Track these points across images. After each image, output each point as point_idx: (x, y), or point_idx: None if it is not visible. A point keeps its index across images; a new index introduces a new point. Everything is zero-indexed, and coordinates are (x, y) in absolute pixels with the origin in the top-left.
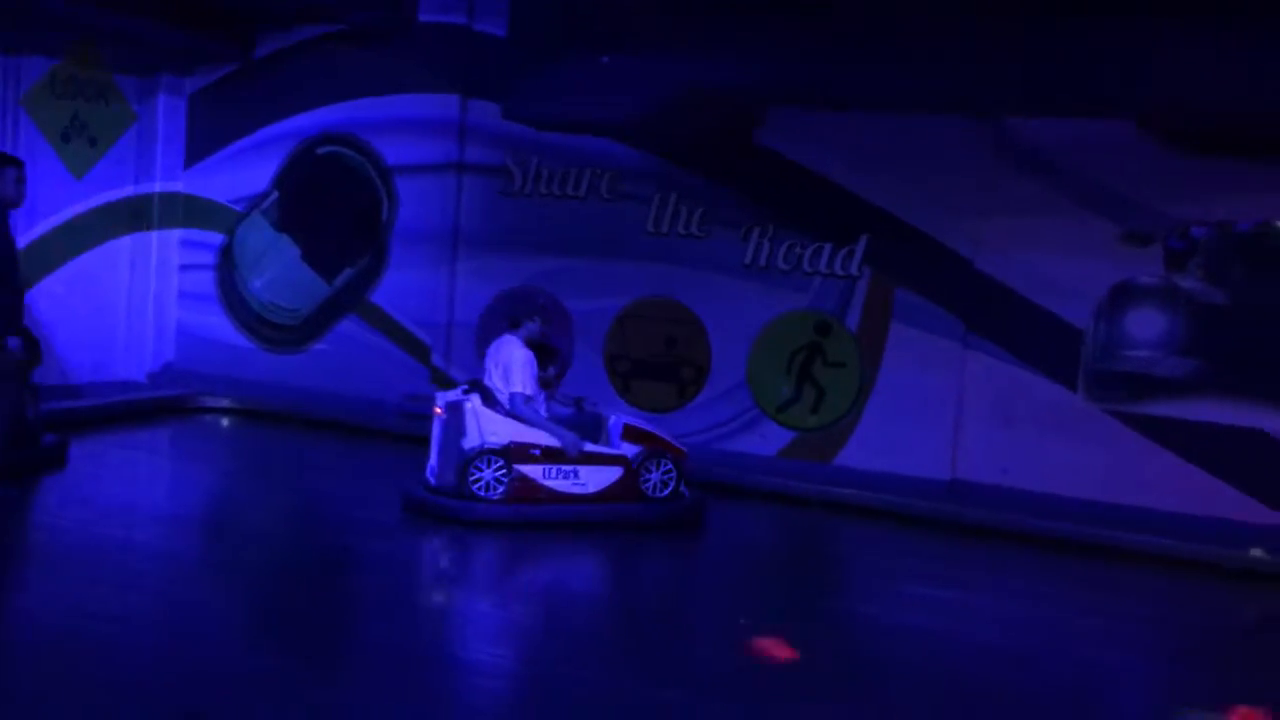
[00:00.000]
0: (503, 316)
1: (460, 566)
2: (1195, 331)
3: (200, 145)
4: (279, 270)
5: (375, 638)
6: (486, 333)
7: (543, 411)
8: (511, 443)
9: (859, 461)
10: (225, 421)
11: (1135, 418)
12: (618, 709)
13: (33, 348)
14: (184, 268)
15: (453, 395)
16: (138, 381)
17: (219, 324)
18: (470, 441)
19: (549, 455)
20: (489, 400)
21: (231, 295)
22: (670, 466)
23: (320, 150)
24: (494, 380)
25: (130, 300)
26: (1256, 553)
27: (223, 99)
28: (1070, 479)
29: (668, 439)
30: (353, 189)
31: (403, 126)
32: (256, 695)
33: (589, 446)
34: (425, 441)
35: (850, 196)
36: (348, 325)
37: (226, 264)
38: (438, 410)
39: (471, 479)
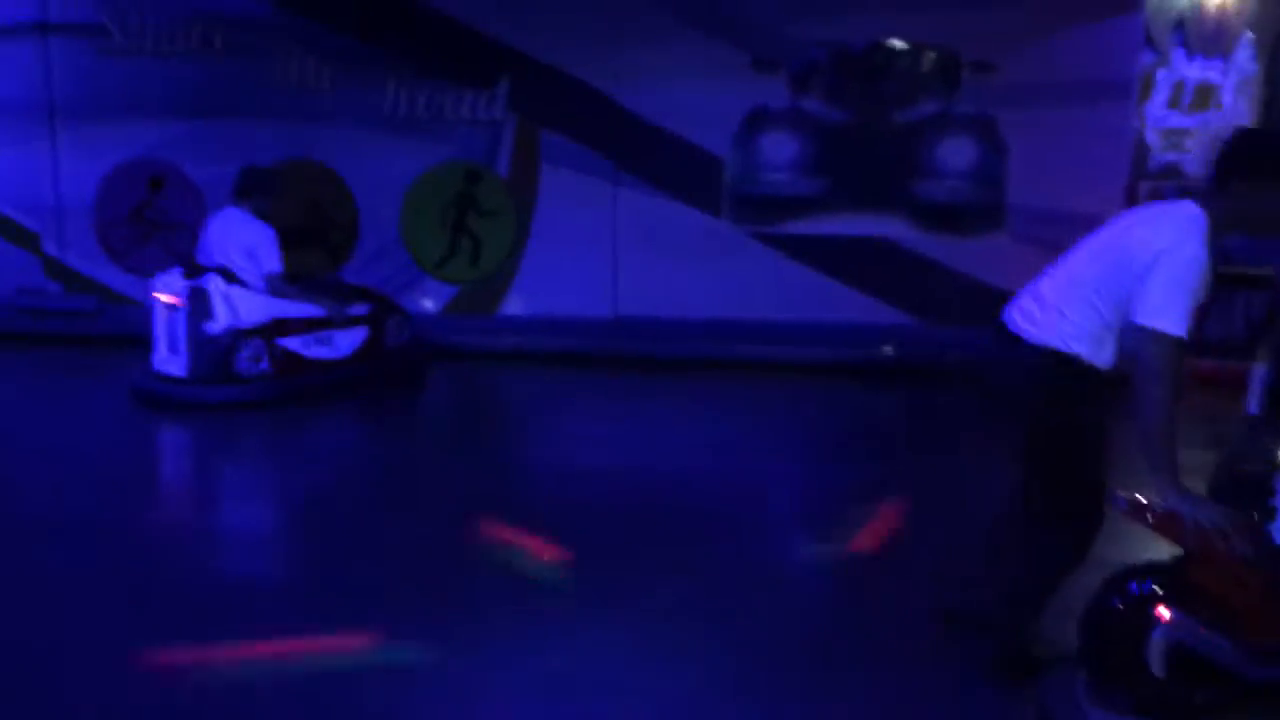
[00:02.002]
0: (126, 192)
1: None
2: (821, 151)
3: None
4: None
5: (44, 564)
6: (106, 211)
7: None
8: (271, 319)
9: (523, 309)
10: None
11: (775, 238)
12: (307, 593)
13: None
14: None
15: (180, 281)
16: None
17: None
18: (219, 324)
19: (307, 325)
20: (232, 279)
21: None
22: (400, 320)
23: None
24: (229, 258)
25: None
26: (887, 350)
27: None
28: (723, 301)
29: (386, 294)
30: None
31: None
32: None
33: (338, 309)
34: (47, 340)
35: (487, 39)
36: None
37: None
38: (169, 298)
39: (233, 360)
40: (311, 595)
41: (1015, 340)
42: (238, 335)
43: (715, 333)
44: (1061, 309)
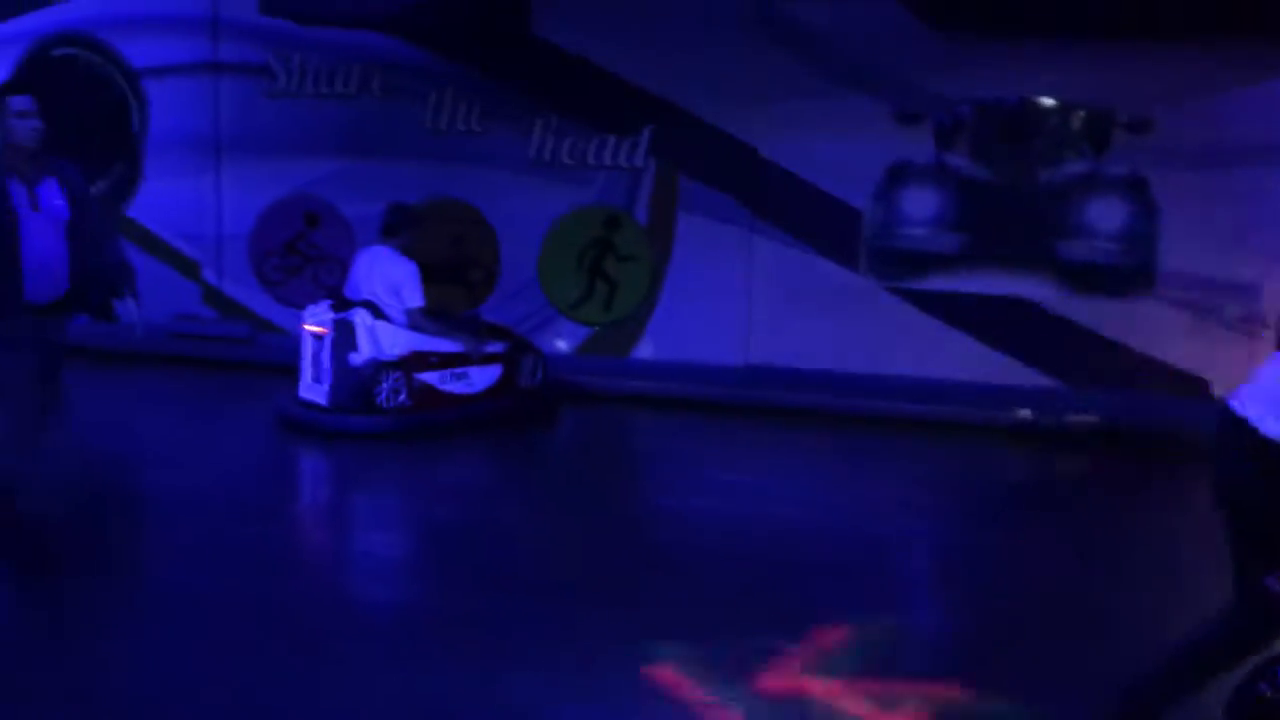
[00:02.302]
0: (282, 225)
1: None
2: (965, 207)
3: None
4: None
5: (177, 579)
6: (262, 244)
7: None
8: (411, 352)
9: (656, 353)
10: None
11: (912, 293)
12: (433, 623)
13: None
14: None
15: (328, 313)
16: None
17: None
18: (362, 356)
19: (445, 361)
20: (377, 313)
21: None
22: (535, 359)
23: (56, 53)
24: (374, 293)
25: None
26: (1024, 412)
27: None
28: (858, 355)
29: (522, 333)
30: (96, 95)
31: (147, 24)
32: (40, 653)
33: (477, 346)
34: (201, 364)
35: (631, 87)
36: None
37: None
38: (317, 329)
39: (374, 392)
40: (430, 625)
41: (1240, 423)
42: (379, 367)
43: (848, 386)
44: None
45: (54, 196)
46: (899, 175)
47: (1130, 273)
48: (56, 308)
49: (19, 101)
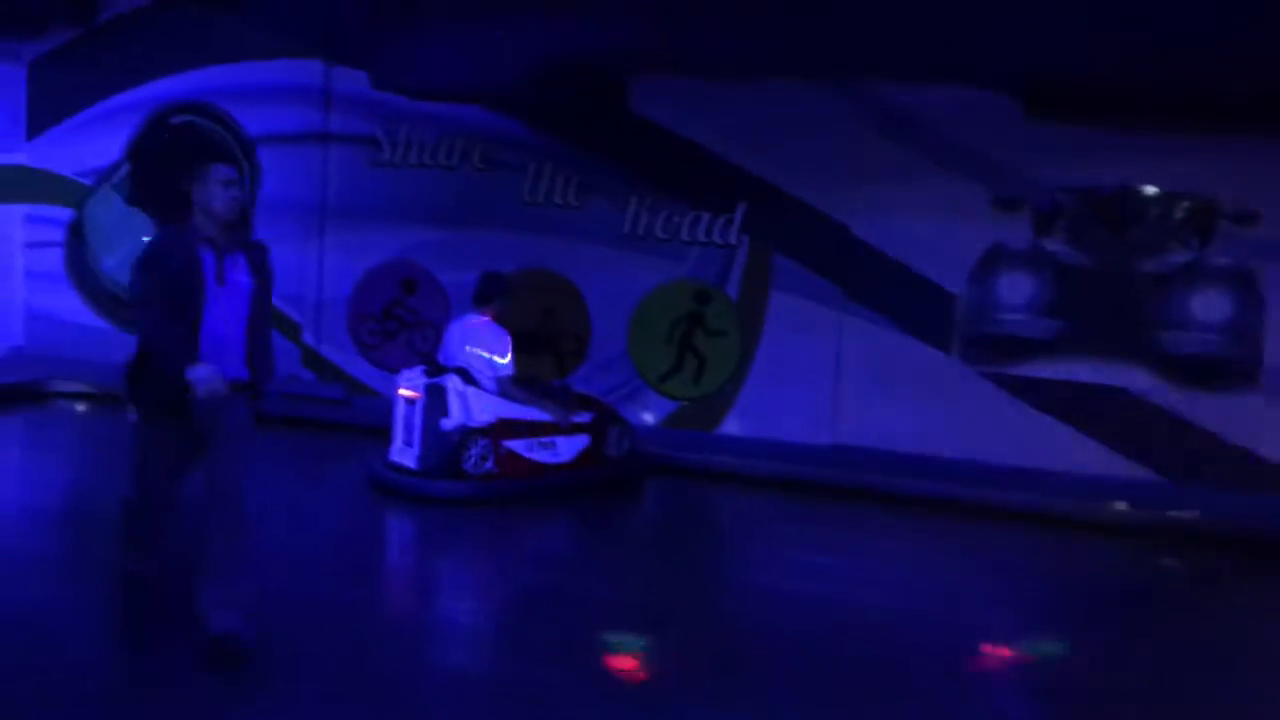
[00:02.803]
0: (380, 290)
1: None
2: (1062, 293)
3: (43, 115)
4: (134, 246)
5: (261, 635)
6: (360, 308)
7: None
8: (499, 419)
9: (743, 429)
10: (81, 407)
11: (1007, 378)
12: (511, 693)
13: None
14: (30, 246)
15: (421, 377)
16: None
17: (70, 304)
18: (453, 421)
19: (532, 429)
20: (469, 380)
21: (83, 274)
22: (621, 430)
23: (175, 119)
24: (466, 360)
25: None
26: (1120, 505)
27: (66, 66)
28: (948, 440)
29: (609, 404)
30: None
31: (263, 94)
32: (126, 702)
33: (564, 416)
34: (297, 424)
35: (727, 165)
36: None
37: (76, 241)
38: (410, 393)
39: (462, 457)
40: (511, 697)
41: None
42: (468, 433)
43: (937, 470)
44: None
45: (240, 271)
46: (995, 260)
47: (1235, 366)
48: (238, 389)
49: (223, 171)
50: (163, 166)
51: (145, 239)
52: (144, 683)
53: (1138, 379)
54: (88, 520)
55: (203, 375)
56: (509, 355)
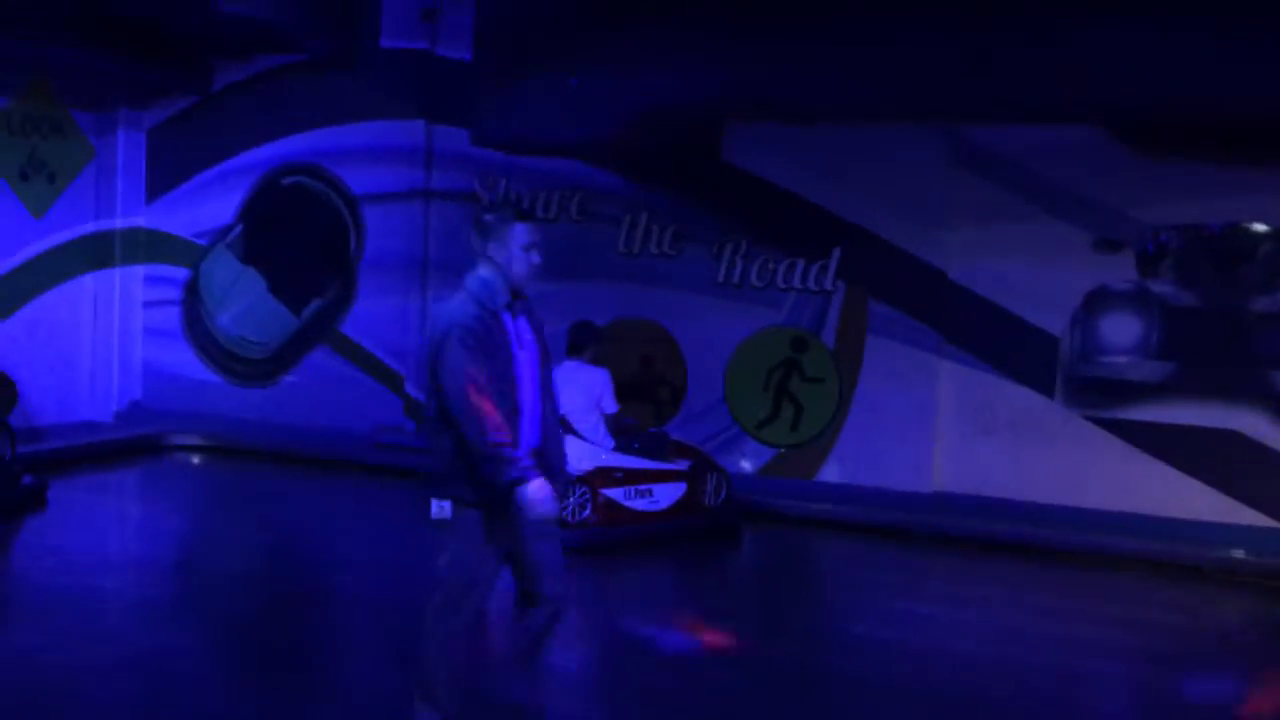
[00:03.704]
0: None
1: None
2: (1169, 335)
3: (161, 179)
4: (246, 304)
5: (363, 680)
6: None
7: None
8: (597, 468)
9: (841, 476)
10: (196, 459)
11: (1113, 422)
12: None
13: (7, 388)
14: (148, 304)
15: None
16: (104, 421)
17: (186, 360)
18: None
19: (630, 477)
20: (566, 429)
21: (198, 330)
22: (718, 478)
23: (285, 181)
24: (568, 409)
25: (95, 339)
26: (1238, 553)
27: (183, 132)
28: (1051, 485)
29: (707, 452)
30: (319, 219)
31: (368, 155)
32: None
33: (661, 464)
34: (400, 473)
35: (821, 211)
36: (318, 357)
37: (192, 299)
38: None
39: (561, 506)
40: None
41: None
42: (566, 482)
43: (1041, 517)
44: None
45: (527, 332)
46: (1099, 302)
47: None
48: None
49: (527, 234)
50: (274, 226)
51: (443, 315)
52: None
53: (1250, 421)
54: (203, 569)
55: (538, 498)
56: (613, 393)
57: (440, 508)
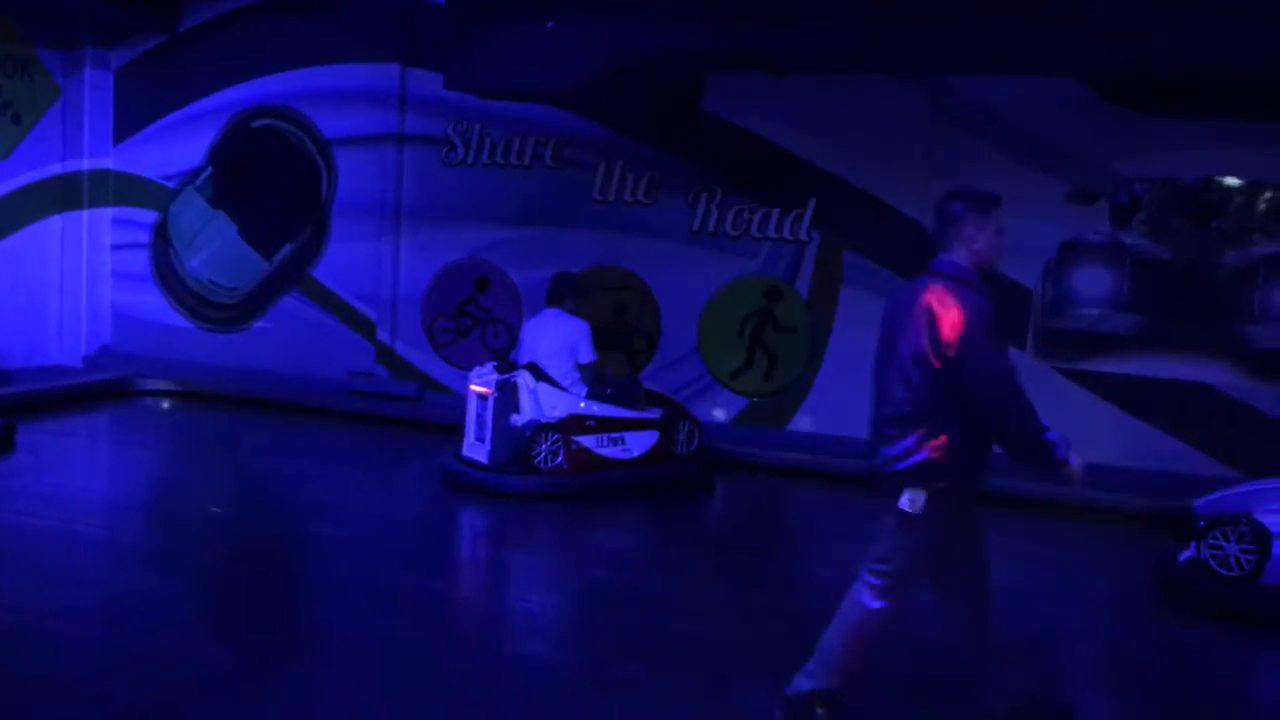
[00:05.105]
0: (453, 288)
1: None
2: (1141, 287)
3: (129, 121)
4: (216, 247)
5: (338, 624)
6: (434, 306)
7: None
8: (570, 415)
9: (813, 426)
10: (166, 404)
11: (1083, 374)
12: (580, 684)
13: None
14: (116, 247)
15: (493, 374)
16: (73, 366)
17: (156, 304)
18: (523, 417)
19: (602, 425)
20: (540, 376)
21: (168, 274)
22: (691, 427)
23: (255, 124)
24: (539, 356)
25: (62, 282)
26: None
27: (151, 72)
28: None
29: (680, 402)
30: (290, 162)
31: (340, 97)
32: (211, 691)
33: (634, 412)
34: (372, 420)
35: (797, 161)
36: (289, 302)
37: (161, 242)
38: (481, 389)
39: (532, 452)
40: (574, 686)
41: None
42: (539, 429)
43: (1010, 467)
44: None
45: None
46: (1071, 254)
47: None
48: None
49: (1001, 220)
50: (244, 169)
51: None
52: (228, 671)
53: (1220, 374)
54: (174, 513)
55: (1073, 458)
56: (590, 343)
57: (913, 499)
